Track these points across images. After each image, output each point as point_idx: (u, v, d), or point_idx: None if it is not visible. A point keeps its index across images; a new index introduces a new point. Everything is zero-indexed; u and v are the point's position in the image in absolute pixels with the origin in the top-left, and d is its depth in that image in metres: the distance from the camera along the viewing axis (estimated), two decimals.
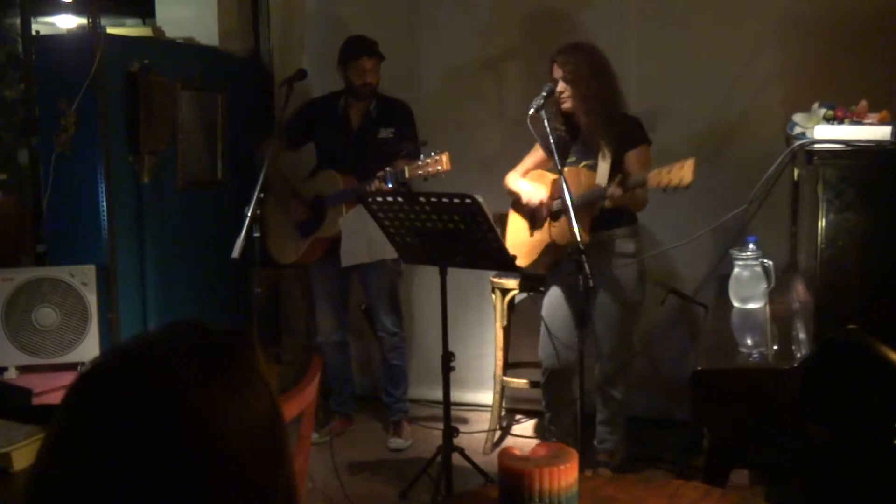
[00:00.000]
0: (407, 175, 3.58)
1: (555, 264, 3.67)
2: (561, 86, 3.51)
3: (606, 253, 3.54)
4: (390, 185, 3.65)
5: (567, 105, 3.54)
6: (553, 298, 3.70)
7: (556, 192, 3.61)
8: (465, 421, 4.45)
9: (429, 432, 4.31)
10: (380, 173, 3.71)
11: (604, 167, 3.50)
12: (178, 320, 0.92)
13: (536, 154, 3.77)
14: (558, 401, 3.76)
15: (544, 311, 3.71)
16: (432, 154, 3.52)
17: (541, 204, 3.62)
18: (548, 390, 3.77)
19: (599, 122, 3.49)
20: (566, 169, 3.53)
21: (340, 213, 3.98)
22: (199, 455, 0.81)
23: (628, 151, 3.51)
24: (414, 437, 4.31)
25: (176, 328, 0.90)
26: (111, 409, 0.81)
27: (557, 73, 3.53)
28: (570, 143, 3.60)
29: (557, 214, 3.60)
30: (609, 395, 3.69)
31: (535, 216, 3.69)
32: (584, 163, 3.55)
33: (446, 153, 3.51)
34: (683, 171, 3.06)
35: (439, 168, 3.50)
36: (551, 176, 3.67)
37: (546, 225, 3.65)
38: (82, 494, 0.79)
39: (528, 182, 3.73)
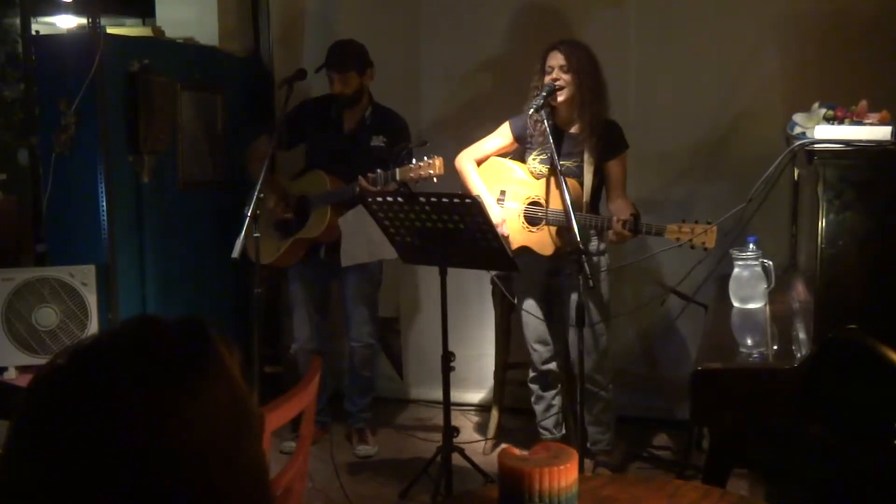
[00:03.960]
0: (398, 177, 3.50)
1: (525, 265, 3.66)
2: (556, 73, 3.46)
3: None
4: (380, 188, 3.59)
5: (563, 97, 3.48)
6: (527, 298, 3.74)
7: (537, 198, 3.58)
8: (464, 421, 4.44)
9: (429, 432, 4.31)
10: (371, 175, 3.62)
11: (589, 178, 3.51)
12: (130, 317, 0.84)
13: (501, 141, 3.71)
14: (548, 400, 3.81)
15: (525, 312, 3.75)
16: (425, 158, 3.43)
17: (507, 237, 3.54)
18: (537, 388, 3.81)
19: (593, 121, 3.48)
20: (549, 174, 3.51)
21: (325, 215, 3.88)
22: (141, 463, 0.75)
23: (610, 159, 3.53)
24: (414, 437, 4.31)
25: (125, 326, 0.83)
26: (50, 420, 0.77)
27: (557, 60, 3.47)
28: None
29: (534, 221, 3.59)
30: (594, 394, 3.68)
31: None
32: (562, 163, 3.43)
33: (440, 158, 3.42)
34: (707, 237, 3.21)
35: (432, 172, 3.40)
36: (520, 173, 3.63)
37: (522, 228, 3.64)
38: None
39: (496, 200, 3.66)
